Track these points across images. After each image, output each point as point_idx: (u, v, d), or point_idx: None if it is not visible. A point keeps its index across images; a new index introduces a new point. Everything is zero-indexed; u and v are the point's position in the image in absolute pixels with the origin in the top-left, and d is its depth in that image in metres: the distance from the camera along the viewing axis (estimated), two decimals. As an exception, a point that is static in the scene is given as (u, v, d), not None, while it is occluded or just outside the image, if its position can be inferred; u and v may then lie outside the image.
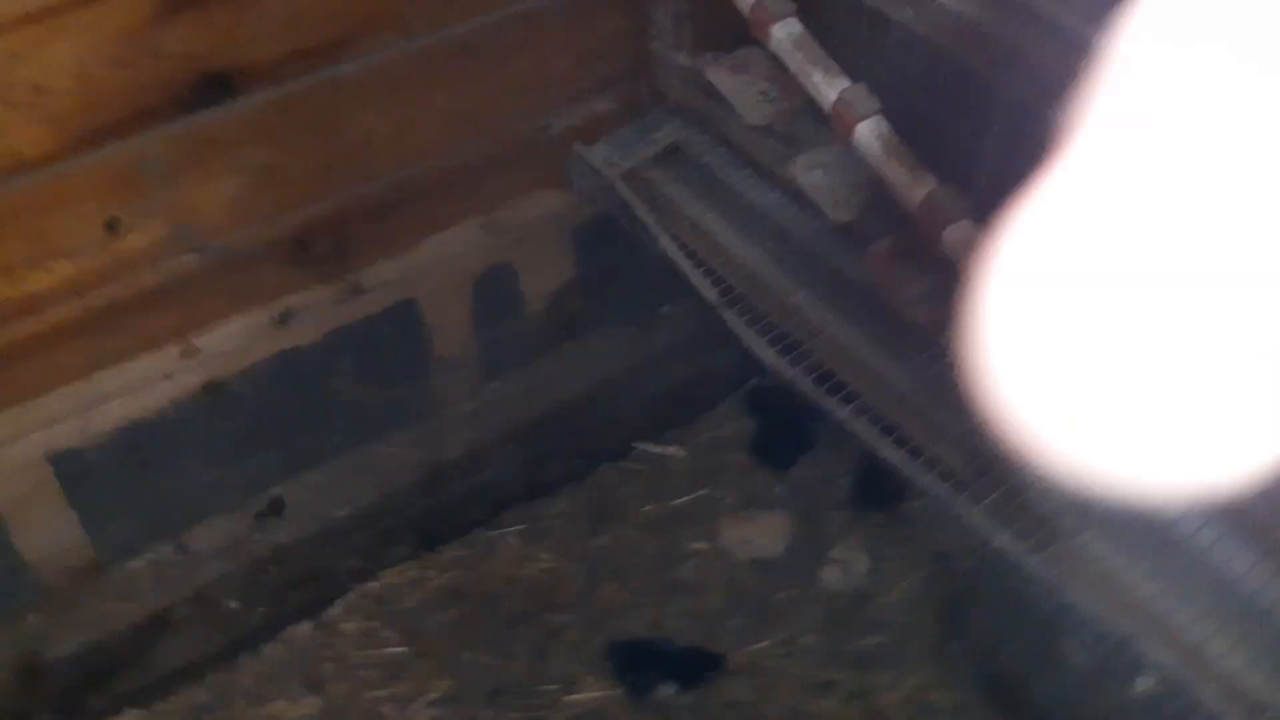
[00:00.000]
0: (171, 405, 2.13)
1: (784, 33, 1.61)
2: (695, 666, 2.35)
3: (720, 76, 1.78)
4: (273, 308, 2.14)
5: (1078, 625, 1.89)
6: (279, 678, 2.36)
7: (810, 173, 1.68)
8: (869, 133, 1.51)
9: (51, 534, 2.14)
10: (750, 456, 2.73)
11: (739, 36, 1.92)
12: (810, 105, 1.77)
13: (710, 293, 1.75)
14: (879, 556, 2.54)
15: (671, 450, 2.75)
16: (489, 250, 2.35)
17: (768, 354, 1.68)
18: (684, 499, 2.66)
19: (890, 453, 1.55)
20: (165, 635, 2.28)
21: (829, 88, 1.55)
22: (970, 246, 1.43)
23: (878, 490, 2.62)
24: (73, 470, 2.08)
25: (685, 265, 1.78)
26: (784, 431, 2.78)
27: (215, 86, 1.83)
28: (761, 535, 2.55)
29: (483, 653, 2.40)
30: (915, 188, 1.46)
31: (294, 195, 2.03)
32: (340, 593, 2.46)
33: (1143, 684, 1.40)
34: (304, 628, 2.42)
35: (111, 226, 1.87)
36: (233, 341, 2.13)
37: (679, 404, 2.78)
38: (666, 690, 2.32)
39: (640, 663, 2.35)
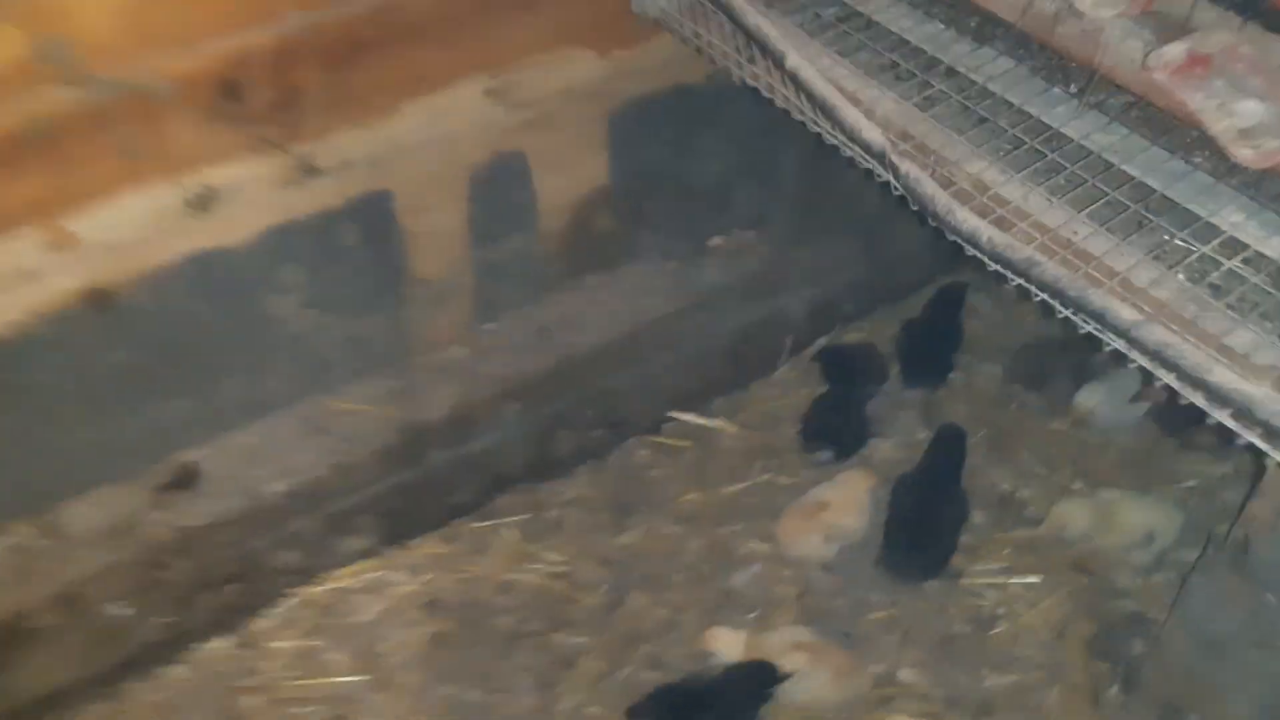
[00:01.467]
0: (38, 320, 1.53)
1: None
2: (752, 687, 1.78)
3: None
4: (186, 184, 1.55)
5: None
6: (183, 711, 1.78)
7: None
8: None
9: None
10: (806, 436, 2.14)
11: None
12: None
13: (874, 135, 1.13)
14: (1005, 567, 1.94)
15: (719, 423, 2.17)
16: (495, 129, 1.77)
17: (985, 232, 1.04)
18: (736, 485, 2.09)
19: (1192, 394, 0.94)
20: (22, 649, 1.70)
21: None
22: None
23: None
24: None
25: (836, 98, 1.15)
26: (859, 408, 2.20)
27: None
28: (837, 511, 1.98)
29: (469, 686, 1.82)
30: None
31: (221, 11, 1.44)
32: (272, 598, 1.92)
33: None
34: (220, 645, 1.87)
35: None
36: (126, 230, 1.53)
37: (730, 363, 2.21)
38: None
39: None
